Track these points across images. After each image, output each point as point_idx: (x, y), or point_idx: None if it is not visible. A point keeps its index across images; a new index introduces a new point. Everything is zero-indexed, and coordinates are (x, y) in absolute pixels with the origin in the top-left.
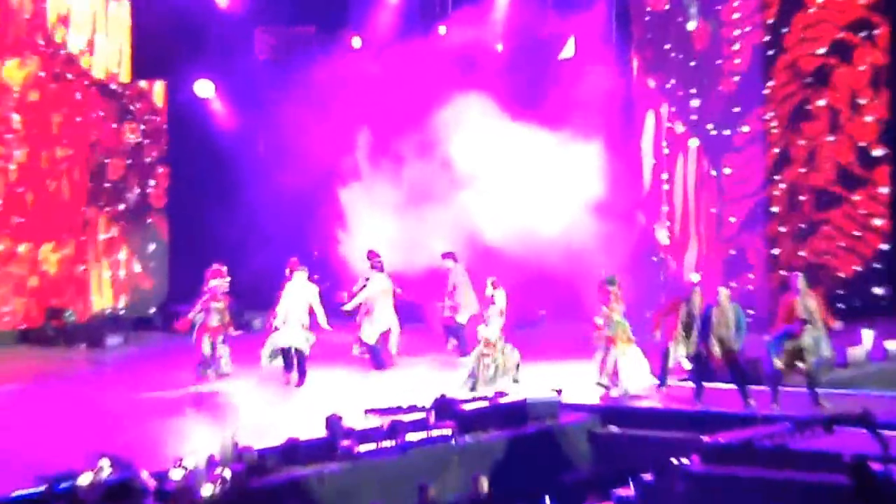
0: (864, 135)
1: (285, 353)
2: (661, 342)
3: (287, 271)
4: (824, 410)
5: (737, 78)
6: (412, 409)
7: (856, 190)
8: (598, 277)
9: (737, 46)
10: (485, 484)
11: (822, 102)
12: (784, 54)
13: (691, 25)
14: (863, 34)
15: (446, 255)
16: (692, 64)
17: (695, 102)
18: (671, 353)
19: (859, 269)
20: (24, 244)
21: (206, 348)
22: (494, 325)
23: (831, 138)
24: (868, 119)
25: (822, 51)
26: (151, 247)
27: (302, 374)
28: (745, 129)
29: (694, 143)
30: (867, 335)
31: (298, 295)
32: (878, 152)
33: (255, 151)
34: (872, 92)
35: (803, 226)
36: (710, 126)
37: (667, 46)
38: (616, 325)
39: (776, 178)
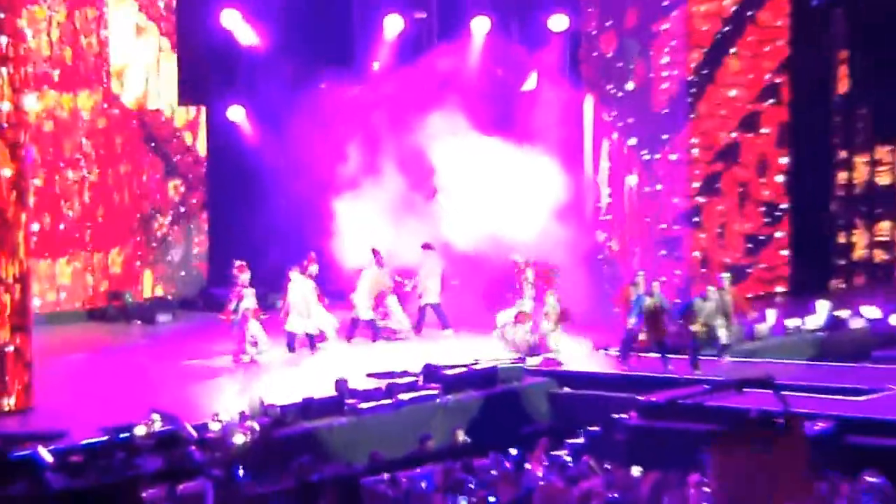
0: (768, 151)
1: (291, 336)
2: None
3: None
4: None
5: (665, 111)
6: (405, 374)
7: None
8: (540, 267)
9: (666, 85)
10: (461, 435)
11: (734, 134)
12: (703, 94)
13: (632, 60)
14: (768, 72)
15: (425, 245)
16: (631, 98)
17: (632, 123)
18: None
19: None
20: (97, 254)
21: (254, 328)
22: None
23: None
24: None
25: (733, 93)
26: (194, 243)
27: (312, 346)
28: (674, 157)
29: (633, 179)
30: (770, 315)
31: (296, 291)
32: (779, 178)
33: (275, 165)
34: (775, 117)
35: (720, 230)
36: (644, 152)
37: (610, 86)
38: (552, 306)
39: (698, 192)
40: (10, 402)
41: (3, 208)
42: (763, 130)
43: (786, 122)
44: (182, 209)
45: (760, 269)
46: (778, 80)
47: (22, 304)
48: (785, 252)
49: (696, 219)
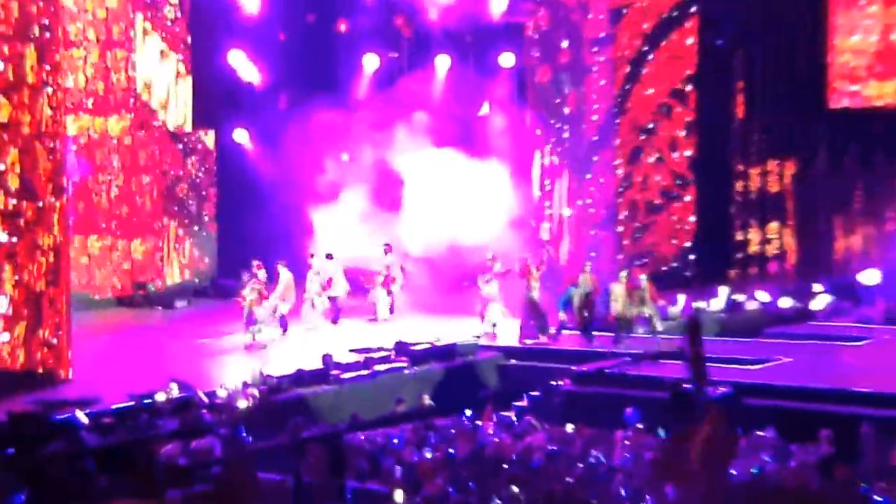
0: (679, 167)
1: (283, 320)
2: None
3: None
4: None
5: (595, 117)
6: (380, 349)
7: (672, 203)
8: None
9: (596, 106)
10: (427, 399)
11: (651, 160)
12: (628, 106)
13: (565, 89)
14: (679, 101)
15: (386, 245)
16: (566, 115)
17: (567, 143)
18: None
19: (676, 256)
20: (121, 241)
21: (262, 313)
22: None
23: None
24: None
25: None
26: (206, 241)
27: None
28: (595, 157)
29: (567, 211)
30: (681, 298)
31: (283, 282)
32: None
33: (272, 177)
34: (685, 138)
35: (638, 226)
36: (580, 154)
37: (550, 116)
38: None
39: (620, 195)
40: (44, 334)
41: (42, 196)
42: (674, 156)
43: (691, 123)
44: (196, 213)
45: (673, 267)
46: (682, 110)
47: (56, 265)
48: (690, 246)
49: (620, 228)
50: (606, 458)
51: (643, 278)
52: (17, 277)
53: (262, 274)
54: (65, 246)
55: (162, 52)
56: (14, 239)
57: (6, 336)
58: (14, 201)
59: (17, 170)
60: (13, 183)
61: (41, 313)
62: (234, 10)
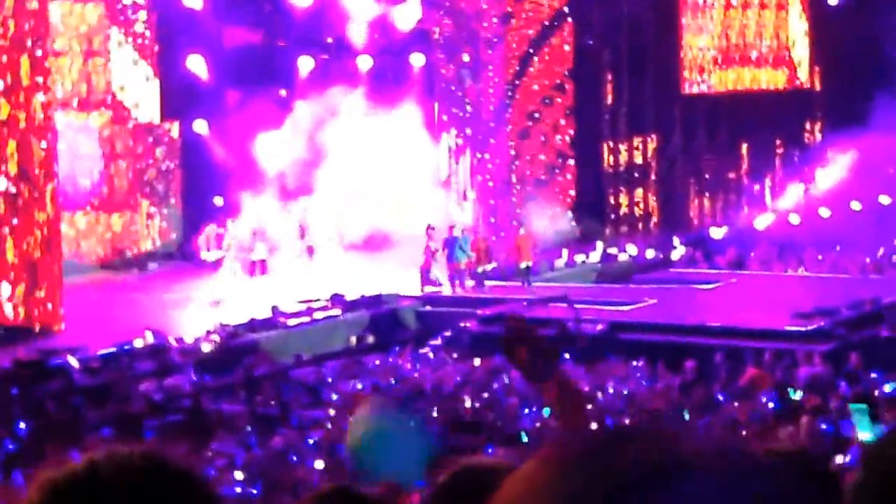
0: (561, 145)
1: None
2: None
3: None
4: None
5: (491, 108)
6: (318, 300)
7: (556, 175)
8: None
9: (491, 90)
10: (353, 340)
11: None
12: (518, 97)
13: (466, 83)
14: (559, 91)
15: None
16: (467, 104)
17: (467, 126)
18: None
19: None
20: (103, 215)
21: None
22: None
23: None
24: (563, 135)
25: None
26: (173, 214)
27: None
28: (492, 141)
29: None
30: (565, 252)
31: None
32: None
33: (226, 160)
34: (565, 122)
35: (528, 194)
36: (479, 136)
37: (457, 93)
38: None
39: (514, 166)
40: (40, 294)
41: (36, 181)
42: (556, 137)
43: (570, 109)
44: (165, 190)
45: None
46: (562, 100)
47: (49, 237)
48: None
49: (514, 198)
50: (505, 386)
51: (523, 237)
52: (17, 258)
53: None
54: (56, 221)
55: (134, 60)
56: (14, 219)
57: (7, 290)
58: (14, 185)
59: (16, 159)
60: (13, 170)
61: (37, 277)
62: (193, 23)
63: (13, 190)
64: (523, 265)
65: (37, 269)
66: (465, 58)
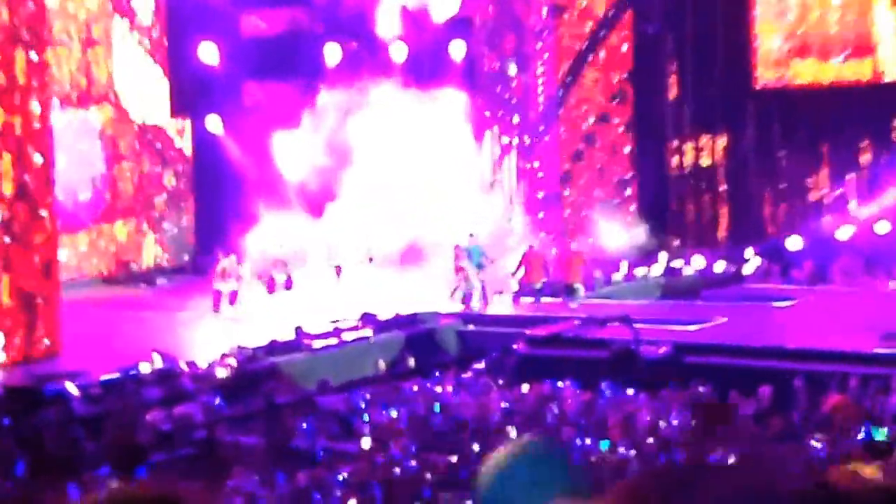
0: (619, 144)
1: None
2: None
3: None
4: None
5: (541, 108)
6: (347, 320)
7: (614, 177)
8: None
9: (540, 89)
10: (382, 364)
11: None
12: (571, 95)
13: (513, 77)
14: (617, 101)
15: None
16: (513, 101)
17: (513, 126)
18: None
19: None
20: (106, 224)
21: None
22: None
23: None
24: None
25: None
26: (184, 222)
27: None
28: (546, 138)
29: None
30: (623, 264)
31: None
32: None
33: (244, 162)
34: (623, 119)
35: (582, 200)
36: (525, 137)
37: (497, 94)
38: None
39: (565, 174)
40: (41, 334)
41: (35, 196)
42: (614, 135)
43: (630, 117)
44: (174, 197)
45: None
46: (623, 88)
47: (47, 264)
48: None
49: (566, 192)
50: (558, 415)
51: (575, 250)
52: (12, 288)
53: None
54: (54, 241)
55: (139, 49)
56: (7, 239)
57: (1, 339)
58: (8, 208)
59: (11, 175)
60: (7, 189)
61: (36, 315)
62: (205, 8)
63: (9, 214)
64: (575, 286)
65: (34, 307)
66: (510, 49)
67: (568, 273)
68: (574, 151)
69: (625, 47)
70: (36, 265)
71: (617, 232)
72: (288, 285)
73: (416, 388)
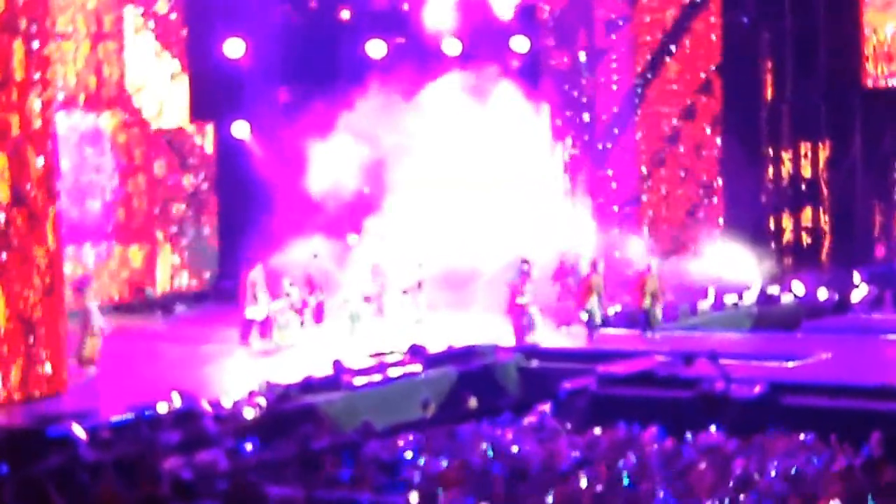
0: (707, 154)
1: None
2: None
3: None
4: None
5: (615, 109)
6: (392, 353)
7: (700, 192)
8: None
9: (615, 86)
10: (432, 405)
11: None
12: (650, 95)
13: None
14: (704, 85)
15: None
16: (584, 101)
17: (585, 134)
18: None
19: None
20: (117, 245)
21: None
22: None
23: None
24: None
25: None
26: (206, 242)
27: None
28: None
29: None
30: (711, 291)
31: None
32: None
33: (275, 173)
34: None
35: (664, 215)
36: (598, 145)
37: (565, 92)
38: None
39: (644, 188)
40: (42, 368)
41: (33, 204)
42: (701, 142)
43: (718, 118)
44: (195, 213)
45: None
46: (708, 98)
47: (51, 280)
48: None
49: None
50: (636, 464)
51: (654, 262)
52: (9, 309)
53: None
54: (58, 257)
55: (156, 46)
56: (4, 255)
57: None
58: (3, 214)
59: (6, 177)
60: (2, 194)
61: (36, 342)
62: None
63: (3, 220)
64: (652, 310)
65: (36, 333)
66: (580, 43)
67: (641, 297)
68: (654, 155)
69: (713, 37)
70: (35, 284)
71: (745, 258)
72: (318, 314)
73: (471, 432)
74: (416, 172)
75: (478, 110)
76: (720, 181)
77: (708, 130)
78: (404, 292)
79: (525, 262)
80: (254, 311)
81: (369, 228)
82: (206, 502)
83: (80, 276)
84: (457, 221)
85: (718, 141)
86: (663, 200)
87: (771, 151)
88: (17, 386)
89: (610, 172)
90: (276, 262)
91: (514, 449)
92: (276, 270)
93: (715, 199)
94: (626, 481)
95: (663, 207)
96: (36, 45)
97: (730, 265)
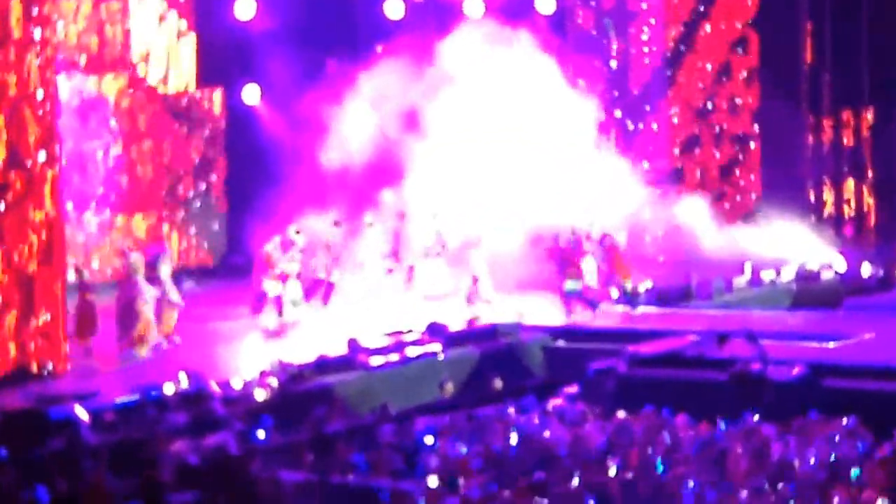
0: (742, 121)
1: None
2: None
3: None
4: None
5: (645, 71)
6: (410, 331)
7: (735, 162)
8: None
9: (647, 61)
10: (450, 387)
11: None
12: (681, 60)
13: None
14: (739, 47)
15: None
16: (613, 73)
17: (616, 104)
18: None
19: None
20: (120, 215)
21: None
22: None
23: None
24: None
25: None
26: (215, 214)
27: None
28: (654, 126)
29: None
30: (748, 267)
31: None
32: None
33: (288, 142)
34: (747, 88)
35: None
36: (628, 122)
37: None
38: None
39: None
40: (37, 323)
41: (32, 166)
42: (736, 109)
43: (754, 74)
44: (202, 184)
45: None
46: (747, 61)
47: (48, 243)
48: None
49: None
50: (667, 450)
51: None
52: (5, 260)
53: (300, 240)
54: (58, 221)
55: (162, 4)
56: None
57: None
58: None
59: (4, 137)
60: (0, 155)
61: (33, 299)
62: None
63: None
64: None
65: (33, 288)
66: (609, 2)
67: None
68: (686, 106)
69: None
70: (34, 245)
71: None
72: (327, 293)
73: (493, 415)
74: (439, 137)
75: (502, 67)
76: (757, 151)
77: (743, 83)
78: (426, 255)
79: (574, 231)
80: (269, 286)
81: (388, 200)
82: (213, 489)
83: (153, 245)
84: (483, 189)
85: (753, 99)
86: (699, 167)
87: (811, 119)
88: (12, 335)
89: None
90: (290, 235)
91: (540, 433)
92: (289, 242)
93: (752, 156)
94: (659, 468)
95: (698, 173)
96: (35, 1)
97: (767, 239)
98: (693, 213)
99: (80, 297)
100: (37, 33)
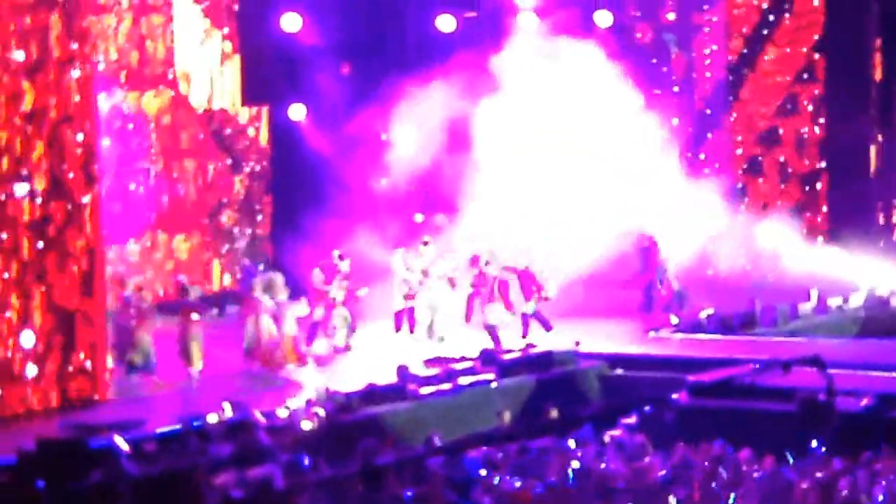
0: (809, 139)
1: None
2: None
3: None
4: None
5: (707, 86)
6: (463, 359)
7: (802, 183)
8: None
9: (708, 74)
10: (507, 417)
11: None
12: (745, 79)
13: (672, 52)
14: (806, 65)
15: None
16: (673, 88)
17: (674, 116)
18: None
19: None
20: (162, 235)
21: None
22: None
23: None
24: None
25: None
26: (260, 236)
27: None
28: (708, 134)
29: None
30: (814, 294)
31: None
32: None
33: (335, 161)
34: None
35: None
36: (690, 129)
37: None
38: None
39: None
40: (79, 358)
41: (73, 192)
42: (803, 127)
43: (821, 103)
44: (247, 203)
45: None
46: (815, 79)
47: (90, 271)
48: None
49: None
50: (730, 484)
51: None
52: (47, 301)
53: (345, 265)
54: (99, 248)
55: (204, 18)
56: (41, 245)
57: (34, 370)
58: (41, 204)
59: (45, 166)
60: (40, 184)
61: (75, 335)
62: None
63: (41, 213)
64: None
65: (74, 325)
66: (670, 17)
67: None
68: (749, 155)
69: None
70: (75, 276)
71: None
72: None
73: (549, 446)
74: (494, 159)
75: (562, 80)
76: (824, 151)
77: (811, 101)
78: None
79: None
80: (318, 313)
81: (443, 222)
82: None
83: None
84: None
85: (821, 116)
86: (762, 198)
87: (880, 138)
88: (54, 388)
89: (702, 157)
90: (334, 260)
91: (598, 466)
92: (333, 267)
93: (820, 175)
94: (731, 501)
95: (761, 197)
96: (75, 18)
97: (835, 265)
98: (775, 234)
99: (183, 318)
100: (77, 50)
